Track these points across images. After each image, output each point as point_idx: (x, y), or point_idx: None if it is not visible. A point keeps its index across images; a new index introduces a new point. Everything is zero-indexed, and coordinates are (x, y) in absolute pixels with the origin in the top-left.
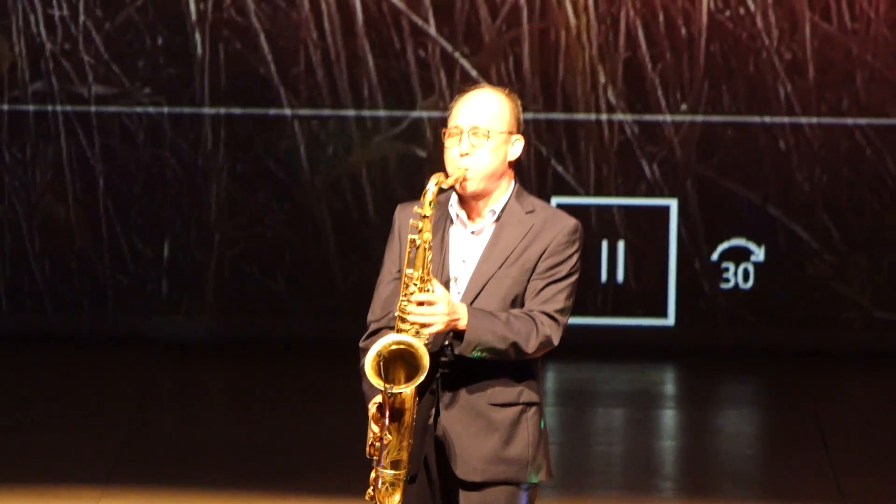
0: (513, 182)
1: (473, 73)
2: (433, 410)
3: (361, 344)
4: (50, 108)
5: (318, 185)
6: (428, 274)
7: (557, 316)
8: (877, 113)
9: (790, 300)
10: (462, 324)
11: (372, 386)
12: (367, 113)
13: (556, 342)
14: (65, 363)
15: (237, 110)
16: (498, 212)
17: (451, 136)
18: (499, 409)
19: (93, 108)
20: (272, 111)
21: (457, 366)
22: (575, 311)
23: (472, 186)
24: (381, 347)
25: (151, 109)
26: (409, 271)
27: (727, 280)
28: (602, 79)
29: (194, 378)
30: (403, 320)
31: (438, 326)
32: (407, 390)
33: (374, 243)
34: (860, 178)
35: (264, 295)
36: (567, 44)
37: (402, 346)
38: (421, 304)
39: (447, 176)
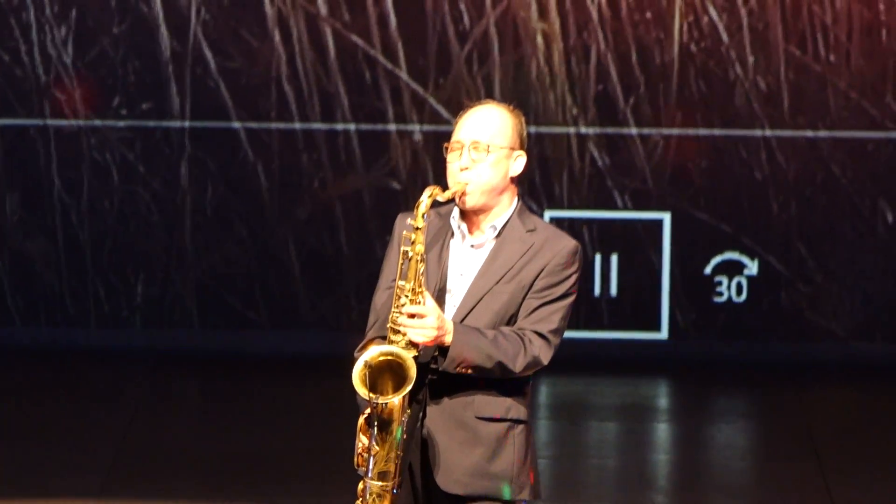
0: (515, 199)
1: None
2: (419, 419)
3: (356, 353)
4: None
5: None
6: (420, 286)
7: (549, 336)
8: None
9: (781, 314)
10: (448, 339)
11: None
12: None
13: (545, 362)
14: (54, 375)
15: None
16: (499, 228)
17: (453, 151)
18: (485, 424)
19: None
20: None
21: (445, 376)
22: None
23: (471, 201)
24: (369, 358)
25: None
26: (401, 283)
27: (720, 294)
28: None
29: (181, 391)
30: (395, 331)
31: (426, 339)
32: (394, 400)
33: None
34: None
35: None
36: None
37: (389, 358)
38: (412, 315)
39: (444, 189)
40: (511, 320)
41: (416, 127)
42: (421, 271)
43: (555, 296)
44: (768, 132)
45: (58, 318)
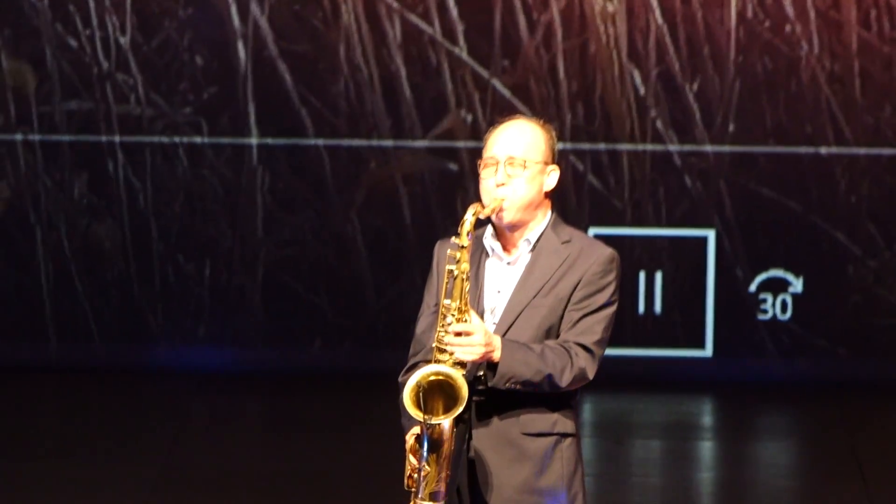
0: (549, 212)
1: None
2: (465, 439)
3: (400, 379)
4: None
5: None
6: (465, 304)
7: (593, 348)
8: None
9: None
10: (497, 355)
11: (411, 419)
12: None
13: (591, 375)
14: (100, 393)
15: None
16: (533, 241)
17: (487, 167)
18: (532, 439)
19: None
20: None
21: (490, 393)
22: (611, 341)
23: (508, 217)
24: (420, 378)
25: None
26: (446, 302)
27: (765, 311)
28: (650, 107)
29: (229, 408)
30: (441, 350)
31: (474, 356)
32: (446, 422)
33: (411, 261)
34: None
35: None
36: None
37: (440, 377)
38: (458, 334)
39: (483, 206)
40: (552, 334)
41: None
42: (467, 290)
43: (595, 306)
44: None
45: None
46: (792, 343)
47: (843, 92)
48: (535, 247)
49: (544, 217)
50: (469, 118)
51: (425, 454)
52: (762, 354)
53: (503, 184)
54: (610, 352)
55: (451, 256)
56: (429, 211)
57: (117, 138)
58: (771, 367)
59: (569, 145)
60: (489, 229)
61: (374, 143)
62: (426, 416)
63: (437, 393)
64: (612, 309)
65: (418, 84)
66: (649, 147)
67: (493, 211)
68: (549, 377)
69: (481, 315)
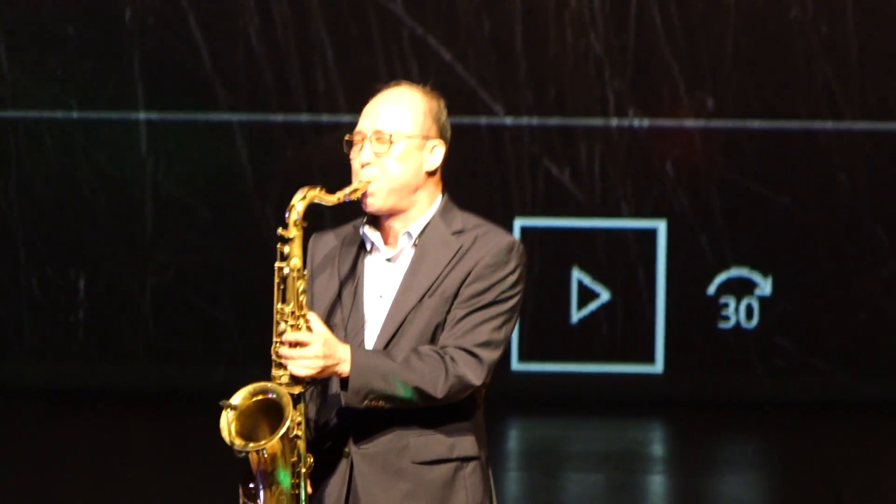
0: (439, 197)
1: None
2: (347, 473)
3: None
4: None
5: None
6: (301, 308)
7: (478, 351)
8: None
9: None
10: (344, 368)
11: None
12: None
13: (476, 382)
14: None
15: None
16: (416, 234)
17: (355, 144)
18: (427, 468)
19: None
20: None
21: (370, 418)
22: (543, 355)
23: (376, 203)
24: (238, 402)
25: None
26: (279, 306)
27: (727, 318)
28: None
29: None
30: (278, 366)
31: (311, 371)
32: (266, 445)
33: None
34: None
35: None
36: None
37: (261, 398)
38: (293, 344)
39: (316, 188)
40: (436, 338)
41: None
42: (301, 289)
43: (483, 302)
44: None
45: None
46: (759, 355)
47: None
48: (418, 239)
49: (431, 203)
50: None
51: (260, 489)
52: (722, 370)
53: (368, 163)
54: (538, 367)
55: (279, 251)
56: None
57: None
58: (732, 384)
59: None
60: (365, 218)
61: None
62: (243, 443)
63: (263, 416)
64: (509, 306)
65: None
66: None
67: (354, 195)
68: (418, 390)
69: (362, 325)
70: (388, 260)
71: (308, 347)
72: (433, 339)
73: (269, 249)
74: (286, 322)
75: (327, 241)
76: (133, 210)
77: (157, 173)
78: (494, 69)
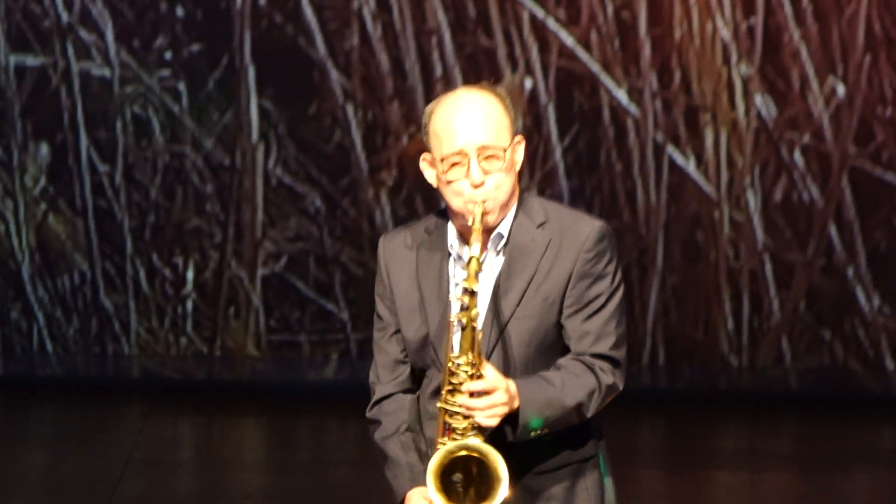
0: (517, 191)
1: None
2: None
3: (369, 414)
4: None
5: None
6: (479, 357)
7: (615, 354)
8: None
9: None
10: (515, 404)
11: (403, 475)
12: None
13: (621, 386)
14: None
15: None
16: (505, 235)
17: (455, 165)
18: (549, 476)
19: None
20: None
21: (488, 434)
22: None
23: (493, 219)
24: (446, 453)
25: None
26: (454, 356)
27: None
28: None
29: None
30: (452, 414)
31: (497, 419)
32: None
33: None
34: None
35: None
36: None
37: (471, 453)
38: (474, 393)
39: (465, 216)
40: (546, 347)
41: None
42: (479, 339)
43: (600, 303)
44: None
45: None
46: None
47: None
48: (507, 240)
49: (515, 198)
50: None
51: None
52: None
53: (482, 183)
54: None
55: (460, 301)
56: None
57: None
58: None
59: None
60: (448, 226)
61: None
62: None
63: (463, 473)
64: (619, 296)
65: None
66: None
67: (476, 225)
68: (579, 408)
69: (448, 335)
70: None
71: (494, 395)
72: (542, 347)
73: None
74: (464, 372)
75: (399, 246)
76: (243, 198)
77: (269, 160)
78: (618, 53)
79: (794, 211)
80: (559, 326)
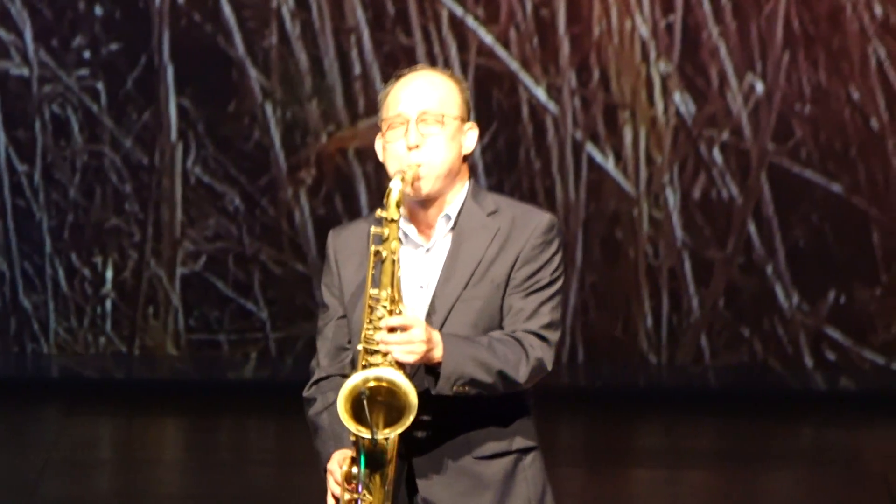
0: (468, 181)
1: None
2: (404, 473)
3: (305, 394)
4: None
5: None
6: (398, 293)
7: (546, 333)
8: None
9: None
10: (438, 353)
11: (330, 440)
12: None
13: (549, 365)
14: None
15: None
16: (453, 217)
17: (394, 128)
18: (487, 463)
19: None
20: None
21: (429, 414)
22: None
23: (427, 187)
24: (357, 385)
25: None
26: (373, 291)
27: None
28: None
29: None
30: (371, 352)
31: (416, 356)
32: (393, 435)
33: None
34: None
35: None
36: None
37: (381, 384)
38: (393, 329)
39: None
40: (491, 328)
41: None
42: (399, 274)
43: (539, 285)
44: None
45: None
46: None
47: None
48: (455, 224)
49: (462, 187)
50: None
51: (363, 479)
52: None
53: (417, 146)
54: None
55: (377, 234)
56: None
57: None
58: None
59: None
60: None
61: None
62: (367, 431)
63: (375, 404)
64: (560, 285)
65: None
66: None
67: (408, 180)
68: (503, 373)
69: None
70: (427, 250)
71: (412, 331)
72: (488, 329)
73: (301, 237)
74: (383, 307)
75: (349, 236)
76: (162, 197)
77: (187, 159)
78: (537, 51)
79: (713, 208)
80: (502, 310)
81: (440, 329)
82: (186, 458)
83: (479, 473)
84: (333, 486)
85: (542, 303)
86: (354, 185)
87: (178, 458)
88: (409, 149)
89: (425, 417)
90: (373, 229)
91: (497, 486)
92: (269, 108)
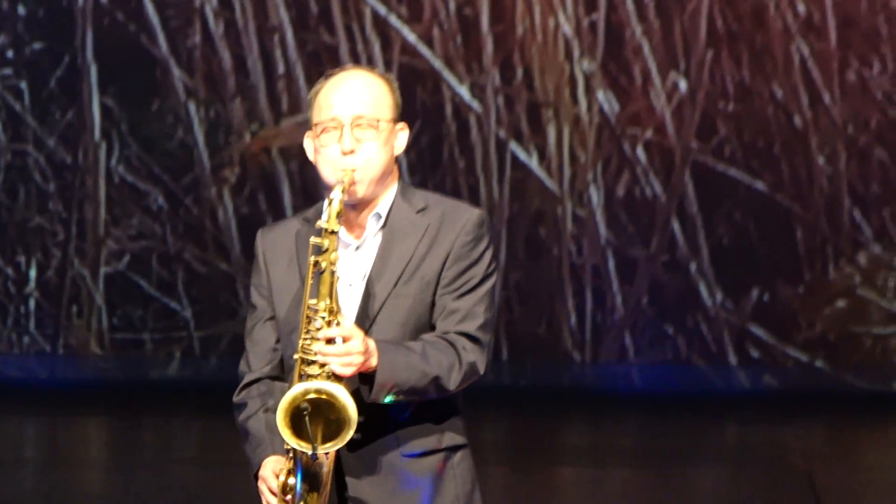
0: (396, 178)
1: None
2: (333, 470)
3: (235, 399)
4: None
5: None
6: (337, 304)
7: (479, 335)
8: None
9: None
10: (373, 362)
11: (260, 446)
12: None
13: (482, 368)
14: None
15: None
16: (384, 216)
17: (328, 132)
18: (416, 461)
19: None
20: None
21: (360, 412)
22: None
23: (362, 191)
24: (298, 394)
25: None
26: (312, 302)
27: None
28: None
29: None
30: (309, 363)
31: (354, 367)
32: (333, 449)
33: None
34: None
35: None
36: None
37: (320, 396)
38: (330, 340)
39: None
40: (422, 327)
41: None
42: (337, 285)
43: (471, 284)
44: None
45: None
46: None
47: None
48: (386, 223)
49: (392, 185)
50: None
51: (300, 491)
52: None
53: (352, 151)
54: None
55: (317, 245)
56: None
57: None
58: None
59: None
60: (325, 208)
61: None
62: (307, 446)
63: (314, 417)
64: (492, 282)
65: None
66: None
67: (345, 186)
68: (437, 379)
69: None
70: (356, 249)
71: (349, 343)
72: (418, 327)
73: (225, 236)
74: (321, 318)
75: (278, 236)
76: (86, 197)
77: (111, 158)
78: (460, 50)
79: (636, 206)
80: (432, 307)
81: (370, 326)
82: (110, 458)
83: (408, 471)
84: (269, 496)
85: (476, 303)
86: (278, 184)
87: (102, 457)
88: (345, 154)
89: (359, 413)
90: (312, 240)
91: (426, 484)
92: (192, 107)
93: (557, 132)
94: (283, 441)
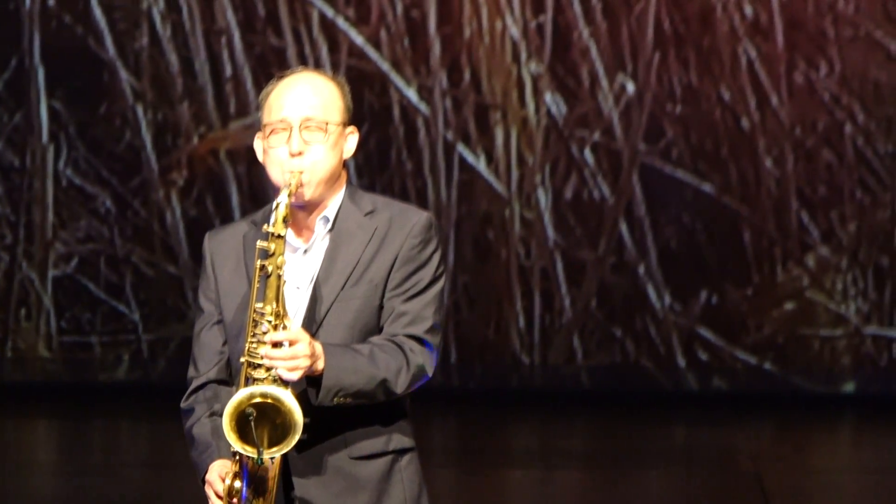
0: (345, 183)
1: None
2: (280, 471)
3: (183, 405)
4: None
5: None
6: (283, 308)
7: (428, 338)
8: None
9: None
10: (320, 365)
11: (206, 451)
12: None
13: (431, 371)
14: None
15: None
16: (331, 219)
17: (276, 133)
18: (363, 463)
19: None
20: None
21: (307, 414)
22: None
23: (309, 193)
24: (243, 399)
25: None
26: (258, 305)
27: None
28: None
29: None
30: (255, 366)
31: (300, 371)
32: (279, 454)
33: None
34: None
35: None
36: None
37: (266, 400)
38: (277, 344)
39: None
40: (370, 330)
41: None
42: (284, 289)
43: (420, 286)
44: None
45: None
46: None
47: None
48: (333, 226)
49: (340, 188)
50: None
51: (246, 495)
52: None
53: (300, 153)
54: None
55: (263, 249)
56: None
57: None
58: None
59: None
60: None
61: None
62: (253, 451)
63: (259, 421)
64: (441, 285)
65: None
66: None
67: (291, 189)
68: (385, 382)
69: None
70: (304, 252)
71: (296, 346)
72: (366, 331)
73: (173, 239)
74: (267, 322)
75: (225, 238)
76: (34, 199)
77: (59, 161)
78: (408, 52)
79: (584, 208)
80: (380, 310)
81: (318, 330)
82: (58, 461)
83: (355, 474)
84: (215, 500)
85: (425, 306)
86: (226, 187)
87: (51, 460)
88: (293, 155)
89: (307, 415)
90: (259, 244)
91: (373, 487)
92: (140, 110)
93: (505, 134)
94: (228, 445)
